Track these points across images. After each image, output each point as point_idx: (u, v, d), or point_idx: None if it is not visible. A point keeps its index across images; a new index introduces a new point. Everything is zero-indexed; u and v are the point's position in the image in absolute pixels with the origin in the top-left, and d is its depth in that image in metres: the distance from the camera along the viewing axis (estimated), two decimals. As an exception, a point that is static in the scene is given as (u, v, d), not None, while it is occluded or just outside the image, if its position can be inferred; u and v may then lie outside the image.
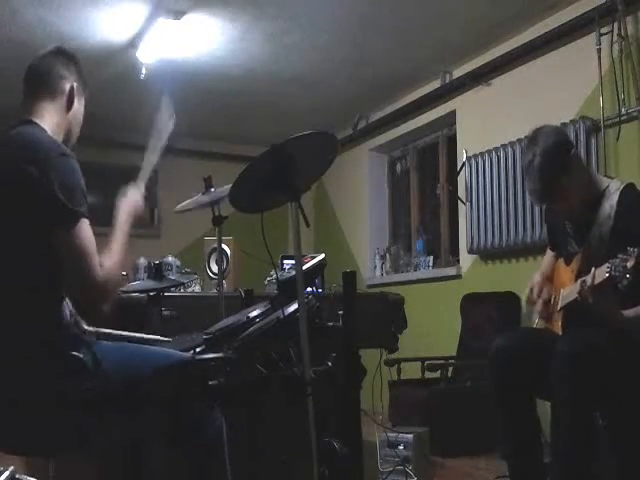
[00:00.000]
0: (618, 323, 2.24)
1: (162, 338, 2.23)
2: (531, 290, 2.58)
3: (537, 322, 2.63)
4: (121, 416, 1.70)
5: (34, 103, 1.81)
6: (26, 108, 1.81)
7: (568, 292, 2.41)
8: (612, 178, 2.57)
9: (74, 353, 1.64)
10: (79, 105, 1.90)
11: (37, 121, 1.77)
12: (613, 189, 2.39)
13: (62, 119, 1.84)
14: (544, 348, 2.29)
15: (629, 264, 2.03)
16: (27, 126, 1.75)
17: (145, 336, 2.24)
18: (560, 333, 2.42)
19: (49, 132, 1.77)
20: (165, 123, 2.11)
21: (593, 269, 2.20)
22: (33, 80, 1.85)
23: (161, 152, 2.10)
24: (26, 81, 1.85)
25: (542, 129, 2.45)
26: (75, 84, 1.87)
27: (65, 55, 1.90)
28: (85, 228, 1.65)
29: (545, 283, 2.59)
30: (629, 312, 2.24)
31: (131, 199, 1.90)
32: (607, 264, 2.10)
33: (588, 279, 2.19)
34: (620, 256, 2.07)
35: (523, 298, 2.67)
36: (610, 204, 2.36)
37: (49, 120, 1.80)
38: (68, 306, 1.74)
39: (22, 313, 1.66)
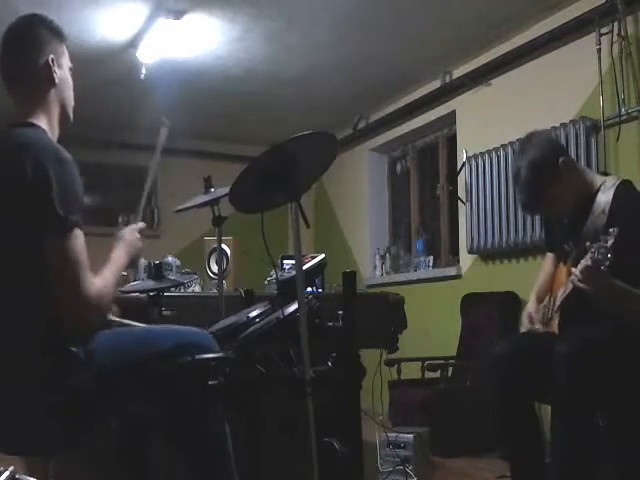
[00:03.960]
0: (619, 297, 2.22)
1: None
2: (530, 322, 2.55)
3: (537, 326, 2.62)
4: (116, 406, 1.70)
5: (24, 104, 1.78)
6: (20, 109, 1.78)
7: (563, 291, 2.41)
8: (608, 175, 2.56)
9: (68, 348, 1.63)
10: (62, 72, 1.81)
11: (35, 122, 1.75)
12: (609, 185, 2.39)
13: (53, 103, 1.79)
14: (544, 351, 2.28)
15: (609, 243, 2.04)
16: (26, 129, 1.72)
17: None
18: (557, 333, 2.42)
19: (47, 131, 1.75)
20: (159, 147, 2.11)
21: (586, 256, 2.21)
22: (17, 79, 1.79)
23: (153, 180, 2.10)
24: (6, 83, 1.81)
25: (531, 138, 2.45)
26: (50, 56, 1.77)
27: (31, 33, 1.79)
28: (78, 239, 1.62)
29: (543, 298, 2.58)
30: (622, 284, 2.21)
31: (128, 240, 1.86)
32: (590, 250, 2.11)
33: (580, 265, 2.19)
34: (602, 237, 2.08)
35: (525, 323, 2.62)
36: (605, 199, 2.35)
37: (44, 117, 1.77)
38: None
39: (17, 309, 1.66)
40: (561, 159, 2.39)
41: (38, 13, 1.85)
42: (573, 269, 2.25)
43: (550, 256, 2.72)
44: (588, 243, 2.13)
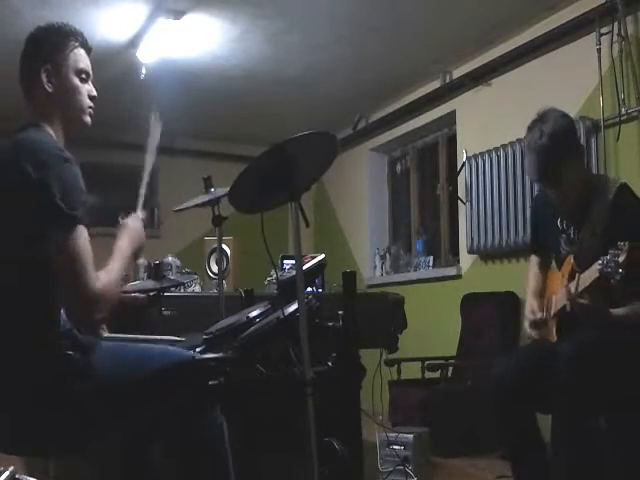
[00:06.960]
0: (609, 322, 2.24)
1: (174, 338, 2.21)
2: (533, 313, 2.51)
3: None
4: (117, 416, 1.70)
5: (32, 106, 1.81)
6: (27, 112, 1.81)
7: (560, 297, 2.39)
8: (606, 177, 2.55)
9: (69, 353, 1.64)
10: (60, 80, 1.82)
11: (41, 124, 1.77)
12: (607, 188, 2.38)
13: (52, 109, 1.80)
14: (543, 363, 2.28)
15: (621, 259, 2.01)
16: (31, 130, 1.74)
17: (158, 337, 2.23)
18: (554, 340, 2.40)
19: (52, 134, 1.77)
20: (154, 140, 2.10)
21: (577, 275, 2.21)
22: (21, 86, 1.83)
23: (152, 166, 2.09)
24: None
25: (551, 110, 2.38)
26: (46, 67, 1.80)
27: (30, 45, 1.84)
28: (82, 235, 1.63)
29: (538, 300, 2.55)
30: (618, 311, 2.24)
31: (132, 227, 1.86)
32: (598, 262, 2.09)
33: (572, 286, 2.20)
34: (611, 251, 2.04)
35: (525, 324, 2.59)
36: (604, 203, 2.33)
37: (45, 121, 1.78)
38: None
39: (18, 313, 1.66)
40: (577, 136, 2.35)
41: (51, 22, 1.88)
42: (570, 286, 2.23)
43: (535, 260, 2.70)
44: (599, 259, 2.09)
